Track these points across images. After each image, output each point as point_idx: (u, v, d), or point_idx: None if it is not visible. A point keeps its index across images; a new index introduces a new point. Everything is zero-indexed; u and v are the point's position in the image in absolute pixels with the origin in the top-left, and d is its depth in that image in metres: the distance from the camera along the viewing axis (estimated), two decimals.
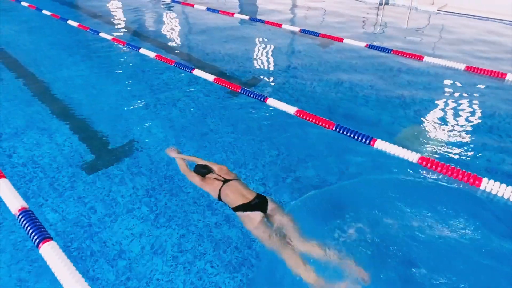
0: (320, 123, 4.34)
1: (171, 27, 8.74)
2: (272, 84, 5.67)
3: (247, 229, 2.88)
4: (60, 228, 3.07)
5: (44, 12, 9.16)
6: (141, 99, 5.17)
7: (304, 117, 4.48)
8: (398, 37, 7.71)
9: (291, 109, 4.59)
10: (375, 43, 7.04)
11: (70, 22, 8.37)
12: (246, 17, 9.03)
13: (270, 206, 2.91)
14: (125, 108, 4.94)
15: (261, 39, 7.80)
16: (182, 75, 5.87)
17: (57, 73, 6.02)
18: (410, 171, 3.66)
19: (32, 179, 3.62)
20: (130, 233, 3.02)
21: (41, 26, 8.49)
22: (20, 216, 2.96)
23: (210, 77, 5.53)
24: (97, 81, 5.76)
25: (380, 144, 3.91)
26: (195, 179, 3.27)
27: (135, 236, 2.99)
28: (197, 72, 5.74)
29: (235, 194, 2.95)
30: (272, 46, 7.36)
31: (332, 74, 5.98)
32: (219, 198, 3.07)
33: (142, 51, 6.67)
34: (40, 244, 2.72)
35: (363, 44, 7.01)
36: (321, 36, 7.59)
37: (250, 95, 5.01)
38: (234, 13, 9.29)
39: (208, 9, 9.81)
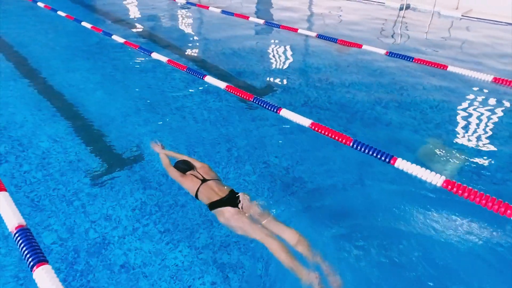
0: (337, 137, 4.08)
1: (185, 30, 8.60)
2: (286, 92, 5.44)
3: (223, 223, 2.94)
4: (62, 242, 2.97)
5: (59, 13, 9.14)
6: (151, 105, 5.02)
7: (320, 130, 4.22)
8: (420, 44, 7.37)
9: (306, 122, 4.34)
10: (395, 51, 6.71)
11: (84, 23, 8.31)
12: (261, 21, 8.80)
13: (242, 199, 2.93)
14: (135, 114, 4.80)
15: (276, 45, 7.57)
16: (194, 81, 5.69)
17: (69, 76, 5.92)
18: (433, 194, 3.39)
19: (38, 189, 3.50)
20: (135, 248, 2.91)
21: (56, 28, 8.46)
22: (17, 235, 2.80)
23: (222, 85, 5.34)
24: (107, 86, 5.64)
25: (401, 164, 3.62)
26: (175, 174, 3.32)
27: (139, 252, 2.88)
28: (208, 78, 5.55)
29: (211, 193, 3.03)
30: (287, 52, 7.12)
31: (349, 82, 5.71)
32: (196, 196, 3.13)
33: (154, 55, 6.53)
34: (34, 268, 2.55)
35: (383, 51, 6.69)
36: (338, 42, 7.30)
37: (263, 105, 4.79)
38: (249, 17, 9.07)
39: (223, 11, 9.63)
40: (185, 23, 9.26)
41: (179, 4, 10.95)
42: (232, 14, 9.37)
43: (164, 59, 6.34)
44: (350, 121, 4.70)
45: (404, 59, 6.45)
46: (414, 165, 3.57)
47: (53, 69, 6.19)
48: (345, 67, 6.28)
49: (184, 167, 3.32)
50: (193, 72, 5.82)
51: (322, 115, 4.81)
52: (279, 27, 8.38)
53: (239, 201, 2.92)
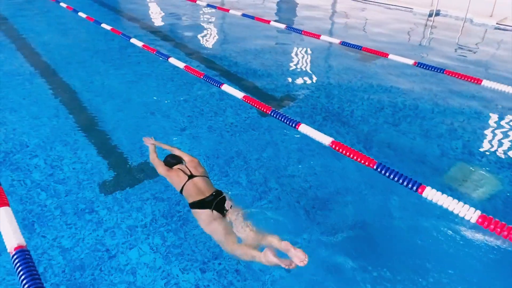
0: (359, 159, 3.78)
1: (203, 34, 8.42)
2: (306, 103, 5.17)
3: (202, 226, 2.88)
4: (70, 256, 2.87)
5: (80, 14, 9.15)
6: (167, 113, 4.87)
7: (341, 150, 3.94)
8: (451, 55, 6.94)
9: (326, 140, 4.06)
10: (424, 61, 6.33)
11: (103, 25, 8.27)
12: (283, 26, 8.53)
13: (227, 204, 2.87)
14: (150, 122, 4.67)
15: (297, 51, 7.29)
16: (211, 89, 5.49)
17: (87, 80, 5.83)
18: (465, 229, 3.07)
19: (49, 200, 3.40)
20: (143, 266, 2.78)
21: (76, 29, 8.47)
22: (15, 257, 2.66)
23: (239, 94, 5.11)
24: (125, 92, 5.50)
25: (430, 194, 3.29)
26: (162, 169, 3.25)
27: (147, 270, 2.75)
28: (225, 87, 5.33)
29: (195, 191, 2.94)
30: (309, 60, 6.84)
31: (373, 95, 5.38)
32: (181, 192, 3.05)
33: (171, 60, 6.38)
34: None
35: (411, 62, 6.32)
36: (363, 50, 6.97)
37: (281, 118, 4.53)
38: (270, 21, 8.82)
39: (244, 15, 9.42)
40: (204, 26, 9.09)
41: (199, 6, 10.80)
42: (252, 17, 9.14)
43: (181, 65, 6.17)
44: (372, 137, 4.42)
45: (434, 70, 6.06)
46: (444, 196, 3.24)
47: (71, 72, 6.12)
48: (369, 78, 5.95)
49: (172, 161, 3.27)
50: (210, 80, 5.62)
51: (343, 129, 4.54)
52: (301, 33, 8.09)
53: (226, 210, 2.85)
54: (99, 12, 9.84)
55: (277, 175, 3.73)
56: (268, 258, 2.42)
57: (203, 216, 2.83)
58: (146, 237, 3.00)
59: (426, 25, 8.99)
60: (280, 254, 2.46)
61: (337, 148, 3.97)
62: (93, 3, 10.88)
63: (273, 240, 2.56)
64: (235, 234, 2.74)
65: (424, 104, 5.12)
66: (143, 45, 7.05)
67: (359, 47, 7.05)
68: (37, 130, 4.44)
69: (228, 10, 9.97)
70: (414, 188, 3.39)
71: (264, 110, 4.75)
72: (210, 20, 9.59)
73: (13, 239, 2.77)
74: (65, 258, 2.84)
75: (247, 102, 5.00)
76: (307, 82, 5.91)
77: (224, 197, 2.93)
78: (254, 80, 5.91)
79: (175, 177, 3.10)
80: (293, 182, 3.66)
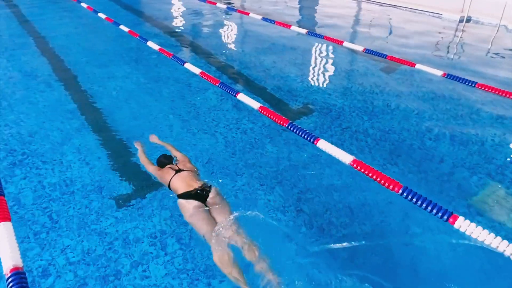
0: (383, 181, 3.48)
1: (221, 38, 8.23)
2: (326, 115, 4.89)
3: (184, 216, 2.91)
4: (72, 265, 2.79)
5: (100, 15, 9.12)
6: (181, 121, 4.73)
7: (363, 170, 3.64)
8: (483, 65, 6.50)
9: (347, 158, 3.77)
10: (454, 72, 5.91)
11: (122, 27, 8.20)
12: (304, 31, 8.23)
13: (212, 195, 2.92)
14: (165, 129, 4.53)
15: (318, 58, 7.00)
16: (226, 97, 5.28)
17: (104, 83, 5.73)
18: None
19: (56, 207, 3.30)
20: (151, 279, 2.67)
21: (95, 30, 8.43)
22: (9, 280, 2.50)
23: (255, 105, 4.88)
24: (140, 97, 5.37)
25: (464, 225, 2.97)
26: (152, 169, 3.37)
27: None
28: (241, 97, 5.11)
29: (182, 183, 3.02)
30: (330, 68, 6.54)
31: (398, 108, 5.05)
32: (169, 187, 3.12)
33: (187, 65, 6.20)
34: None
35: (439, 73, 5.92)
36: (388, 58, 6.60)
37: (299, 132, 4.27)
38: (291, 25, 8.55)
39: (264, 19, 9.17)
40: (223, 30, 8.91)
41: (219, 9, 10.64)
42: (273, 22, 8.89)
43: (197, 71, 5.98)
44: (396, 152, 4.14)
45: (464, 83, 5.65)
46: (480, 228, 2.92)
47: (89, 75, 6.03)
48: (394, 90, 5.60)
49: (165, 161, 3.37)
50: (226, 88, 5.40)
51: (364, 144, 4.26)
52: (322, 38, 7.79)
53: (209, 197, 2.90)
54: (118, 13, 9.80)
55: (292, 188, 3.54)
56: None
57: (188, 207, 2.85)
58: (156, 248, 2.88)
59: (456, 32, 8.52)
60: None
61: (358, 167, 3.68)
62: (114, 4, 10.89)
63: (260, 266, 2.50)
64: (215, 230, 2.72)
65: (454, 120, 4.75)
66: (160, 49, 6.92)
67: (384, 55, 6.69)
68: (51, 135, 4.36)
69: (248, 14, 9.75)
70: (445, 217, 3.07)
71: (281, 123, 4.49)
72: (229, 23, 9.41)
73: (9, 260, 2.63)
74: (69, 273, 2.74)
75: (263, 113, 4.76)
76: (328, 91, 5.61)
77: (211, 189, 2.96)
78: (272, 87, 5.66)
79: (165, 175, 3.18)
80: (308, 196, 3.46)
